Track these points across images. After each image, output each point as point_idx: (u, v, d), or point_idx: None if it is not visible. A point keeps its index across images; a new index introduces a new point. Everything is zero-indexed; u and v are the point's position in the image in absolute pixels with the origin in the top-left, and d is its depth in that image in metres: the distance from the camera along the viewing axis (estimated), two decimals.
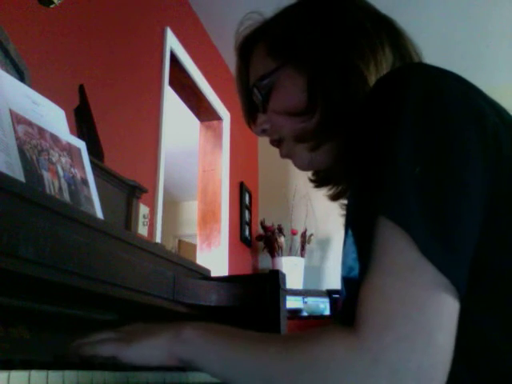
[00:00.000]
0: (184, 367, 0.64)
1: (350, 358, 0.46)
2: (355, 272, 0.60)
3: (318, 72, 0.68)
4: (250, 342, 0.54)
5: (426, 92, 0.53)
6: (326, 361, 0.47)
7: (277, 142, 0.75)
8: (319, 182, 0.79)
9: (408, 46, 0.72)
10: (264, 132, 0.76)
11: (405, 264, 0.47)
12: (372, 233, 0.50)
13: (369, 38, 0.68)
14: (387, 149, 0.51)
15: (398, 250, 0.47)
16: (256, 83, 0.74)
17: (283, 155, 0.76)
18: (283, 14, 0.76)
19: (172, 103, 2.79)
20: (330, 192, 0.78)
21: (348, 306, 0.65)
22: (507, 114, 0.59)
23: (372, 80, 0.65)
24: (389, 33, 0.71)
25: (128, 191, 1.33)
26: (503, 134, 0.54)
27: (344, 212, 0.74)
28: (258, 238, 3.81)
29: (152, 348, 0.58)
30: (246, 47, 0.77)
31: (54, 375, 0.51)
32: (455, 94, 0.54)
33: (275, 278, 1.09)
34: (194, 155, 3.72)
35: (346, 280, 0.64)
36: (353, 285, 0.62)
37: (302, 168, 0.76)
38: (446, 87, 0.55)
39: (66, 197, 0.90)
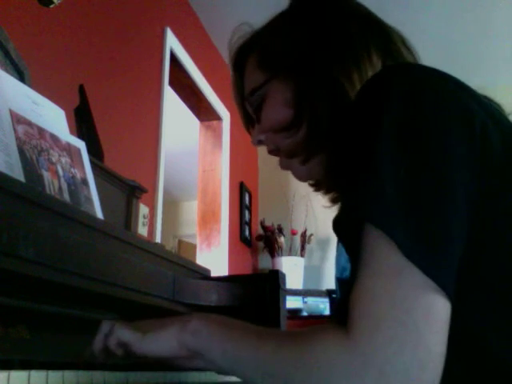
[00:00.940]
0: (184, 368, 0.64)
1: (340, 359, 0.47)
2: (348, 272, 0.60)
3: (302, 87, 0.68)
4: (250, 337, 0.55)
5: (408, 93, 0.53)
6: (319, 361, 0.48)
7: (275, 152, 0.76)
8: (318, 186, 0.79)
9: (401, 49, 0.71)
10: (260, 142, 0.76)
11: (392, 268, 0.47)
12: (360, 238, 0.51)
13: (353, 50, 0.68)
14: (371, 153, 0.51)
15: (385, 254, 0.48)
16: (247, 97, 0.75)
17: (283, 168, 0.77)
18: (271, 26, 0.76)
19: (172, 103, 2.79)
20: (330, 195, 0.78)
21: (342, 305, 0.65)
22: (498, 112, 0.59)
23: (356, 92, 0.65)
24: (378, 39, 0.70)
25: (128, 191, 1.33)
26: (492, 132, 0.53)
27: None
28: (258, 238, 3.81)
29: (163, 339, 0.60)
30: (239, 59, 0.78)
31: (54, 375, 0.51)
32: (440, 94, 0.54)
33: (275, 278, 1.09)
34: (194, 155, 3.72)
35: (339, 281, 0.65)
36: (346, 285, 0.62)
37: (301, 180, 0.76)
38: (430, 87, 0.54)
39: (66, 197, 0.90)
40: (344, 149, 0.58)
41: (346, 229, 0.54)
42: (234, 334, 0.56)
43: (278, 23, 0.75)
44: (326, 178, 0.74)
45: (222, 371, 0.59)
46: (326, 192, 0.78)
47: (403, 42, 0.72)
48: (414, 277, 0.46)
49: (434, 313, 0.46)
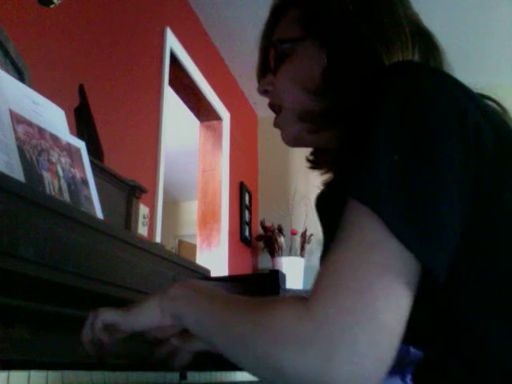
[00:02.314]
0: (184, 368, 0.64)
1: (293, 325, 0.47)
2: None
3: (342, 57, 0.67)
4: (220, 303, 0.57)
5: (409, 88, 0.54)
6: (276, 327, 0.49)
7: (276, 109, 0.75)
8: (315, 163, 0.79)
9: (443, 63, 0.70)
10: (265, 93, 0.76)
11: (365, 241, 0.48)
12: (341, 215, 0.51)
13: (404, 42, 0.67)
14: (367, 138, 0.52)
15: (362, 227, 0.48)
16: (277, 44, 0.73)
17: (275, 124, 0.76)
18: None
19: (172, 103, 2.79)
20: (325, 177, 0.78)
21: None
22: (494, 112, 0.60)
23: None
24: (424, 43, 0.70)
25: (128, 191, 1.33)
26: (486, 132, 0.54)
27: None
28: (258, 238, 3.81)
29: (147, 310, 0.61)
30: (281, 7, 0.76)
31: (54, 375, 0.51)
32: (438, 92, 0.55)
33: (275, 278, 1.09)
34: (194, 155, 3.72)
35: None
36: None
37: (288, 144, 0.76)
38: (429, 84, 0.55)
39: (66, 197, 0.90)
40: (351, 131, 0.58)
41: (328, 205, 0.55)
42: (207, 300, 0.58)
43: None
44: (324, 154, 0.73)
45: (195, 334, 0.60)
46: (321, 169, 0.78)
47: (441, 52, 0.72)
48: (386, 252, 0.47)
49: (395, 294, 0.46)
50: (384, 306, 0.45)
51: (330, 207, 0.54)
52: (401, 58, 0.65)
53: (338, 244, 0.50)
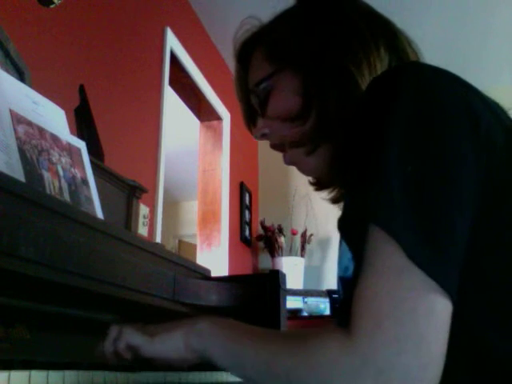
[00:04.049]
0: (183, 368, 0.64)
1: (341, 359, 0.47)
2: (350, 272, 0.60)
3: (312, 76, 0.68)
4: (253, 337, 0.56)
5: (418, 92, 0.53)
6: (319, 360, 0.48)
7: (278, 147, 0.76)
8: (319, 185, 0.79)
9: (405, 47, 0.72)
10: (264, 136, 0.76)
11: (394, 268, 0.47)
12: (364, 237, 0.51)
13: (362, 41, 0.68)
14: (377, 151, 0.51)
15: (387, 254, 0.48)
16: (254, 88, 0.74)
17: (287, 162, 0.76)
18: (280, 19, 0.76)
19: (172, 103, 2.79)
20: (331, 195, 0.78)
21: (344, 305, 0.65)
22: (503, 113, 0.59)
23: (365, 82, 0.65)
24: (385, 34, 0.71)
25: (128, 191, 1.33)
26: (497, 134, 0.53)
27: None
28: (258, 238, 3.81)
29: (171, 342, 0.61)
30: (245, 52, 0.77)
31: (54, 375, 0.51)
32: (448, 94, 0.54)
33: (275, 278, 1.09)
34: (194, 155, 3.72)
35: (342, 280, 0.64)
36: (349, 284, 0.62)
37: (306, 173, 0.76)
38: (438, 87, 0.54)
39: (66, 197, 0.90)
40: (351, 141, 0.58)
41: (350, 228, 0.54)
42: (237, 334, 0.57)
43: (286, 17, 0.75)
44: (330, 170, 0.73)
45: (225, 369, 0.60)
46: (327, 188, 0.78)
47: (408, 41, 0.73)
48: (416, 277, 0.46)
49: (435, 313, 0.46)
50: (429, 329, 0.46)
51: (353, 228, 0.54)
52: (364, 59, 0.66)
53: (368, 270, 0.49)
